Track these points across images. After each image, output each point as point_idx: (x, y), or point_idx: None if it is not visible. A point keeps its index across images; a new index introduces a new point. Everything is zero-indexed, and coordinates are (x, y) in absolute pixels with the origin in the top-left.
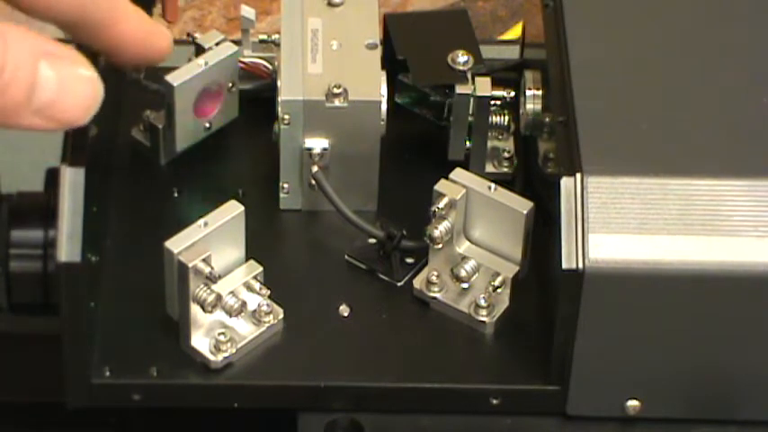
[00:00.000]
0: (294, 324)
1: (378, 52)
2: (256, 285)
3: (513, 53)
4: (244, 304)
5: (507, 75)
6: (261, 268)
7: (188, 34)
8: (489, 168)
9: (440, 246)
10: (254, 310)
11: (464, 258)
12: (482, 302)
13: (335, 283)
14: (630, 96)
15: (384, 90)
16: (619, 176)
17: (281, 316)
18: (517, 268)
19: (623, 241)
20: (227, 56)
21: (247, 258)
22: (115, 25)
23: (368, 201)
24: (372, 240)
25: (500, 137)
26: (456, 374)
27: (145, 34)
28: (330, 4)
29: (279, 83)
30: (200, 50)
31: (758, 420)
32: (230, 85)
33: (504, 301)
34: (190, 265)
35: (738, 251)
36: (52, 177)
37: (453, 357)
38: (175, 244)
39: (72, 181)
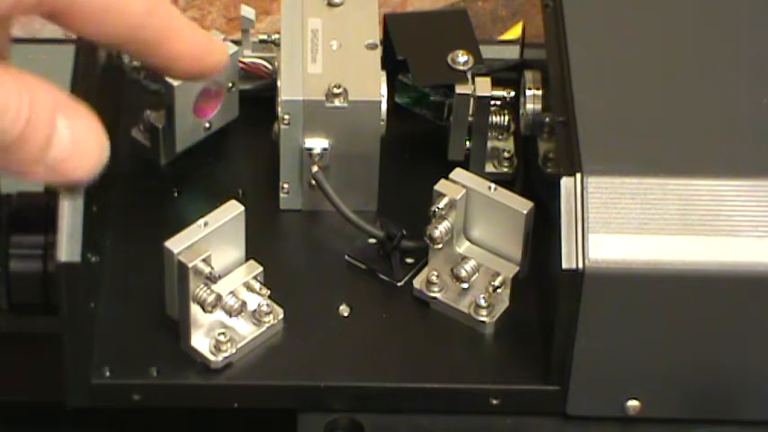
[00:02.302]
0: (294, 324)
1: (378, 52)
2: (256, 285)
3: (513, 53)
4: (244, 304)
5: (507, 75)
6: (261, 268)
7: None
8: (489, 168)
9: (440, 246)
10: (254, 310)
11: (464, 258)
12: (482, 302)
13: (335, 283)
14: (630, 96)
15: (384, 90)
16: (619, 176)
17: (281, 316)
18: (517, 268)
19: (623, 241)
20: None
21: (247, 258)
22: (167, 43)
23: (368, 201)
24: (372, 240)
25: (500, 137)
26: (456, 374)
27: (199, 51)
28: (330, 4)
29: (279, 83)
30: None
31: (758, 420)
32: (230, 85)
33: (504, 301)
34: (190, 265)
35: (738, 251)
36: None
37: (453, 357)
38: (175, 244)
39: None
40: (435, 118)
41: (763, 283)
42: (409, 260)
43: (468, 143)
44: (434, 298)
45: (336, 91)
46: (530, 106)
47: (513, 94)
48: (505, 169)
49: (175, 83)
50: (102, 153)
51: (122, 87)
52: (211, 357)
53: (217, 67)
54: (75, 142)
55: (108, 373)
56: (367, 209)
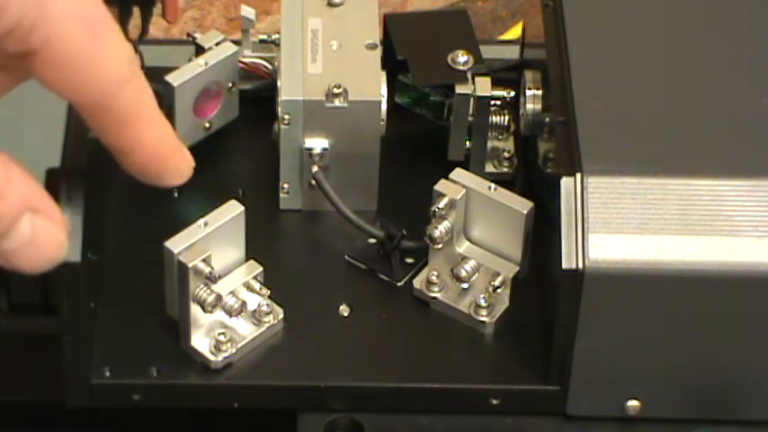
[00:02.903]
0: (294, 324)
1: (378, 52)
2: (256, 285)
3: (513, 53)
4: (244, 304)
5: (507, 75)
6: (261, 268)
7: (188, 34)
8: (489, 168)
9: (440, 246)
10: (254, 310)
11: (464, 258)
12: (482, 302)
13: (335, 283)
14: (630, 96)
15: (384, 90)
16: (619, 176)
17: (281, 316)
18: (517, 268)
19: (623, 241)
20: (227, 56)
21: (247, 258)
22: (133, 123)
23: (368, 201)
24: (372, 240)
25: (500, 137)
26: (456, 374)
27: (163, 148)
28: (330, 4)
29: (279, 83)
30: (200, 50)
31: (758, 420)
32: (230, 85)
33: (504, 301)
34: (190, 265)
35: (738, 251)
36: (52, 178)
37: (453, 357)
38: (175, 244)
39: (72, 181)
40: (435, 118)
41: (763, 283)
42: (409, 260)
43: (468, 143)
44: (434, 298)
45: (336, 91)
46: (530, 106)
47: (513, 94)
48: (505, 169)
49: (176, 83)
50: (57, 254)
51: None
52: (211, 357)
53: (177, 174)
54: (33, 240)
55: (108, 373)
56: (367, 209)
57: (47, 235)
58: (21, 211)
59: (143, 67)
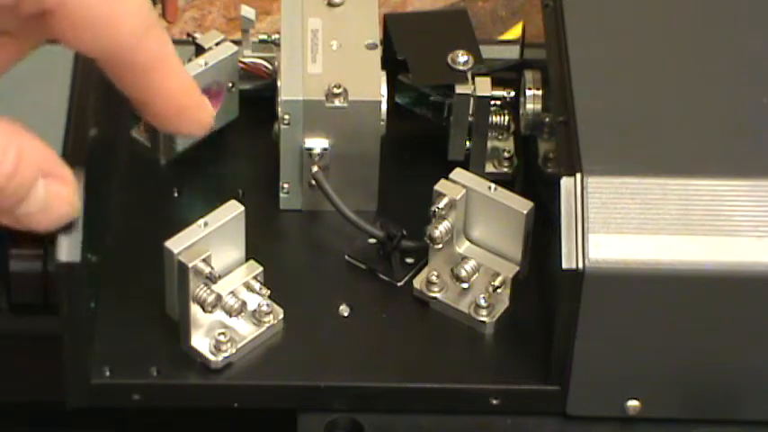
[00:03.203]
0: (294, 324)
1: (378, 52)
2: (256, 285)
3: (513, 53)
4: (244, 304)
5: (507, 75)
6: (261, 268)
7: (188, 34)
8: (489, 168)
9: (440, 246)
10: (254, 310)
11: (464, 258)
12: (482, 302)
13: (335, 283)
14: (630, 96)
15: (384, 90)
16: (619, 176)
17: (281, 316)
18: (517, 268)
19: (623, 241)
20: (227, 56)
21: (247, 258)
22: (153, 73)
23: (368, 201)
24: (372, 240)
25: (500, 137)
26: (456, 374)
27: (184, 98)
28: (330, 4)
29: (279, 83)
30: (200, 50)
31: (758, 420)
32: (230, 85)
33: (504, 301)
34: (190, 265)
35: (738, 251)
36: None
37: (453, 357)
38: (175, 244)
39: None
40: (435, 118)
41: (763, 283)
42: (409, 260)
43: (468, 143)
44: (434, 298)
45: (336, 91)
46: (530, 106)
47: (513, 94)
48: (505, 169)
49: None
50: (70, 214)
51: None
52: (211, 357)
53: (197, 123)
54: (47, 202)
55: (108, 373)
56: (367, 209)
57: (59, 196)
58: (36, 178)
59: None
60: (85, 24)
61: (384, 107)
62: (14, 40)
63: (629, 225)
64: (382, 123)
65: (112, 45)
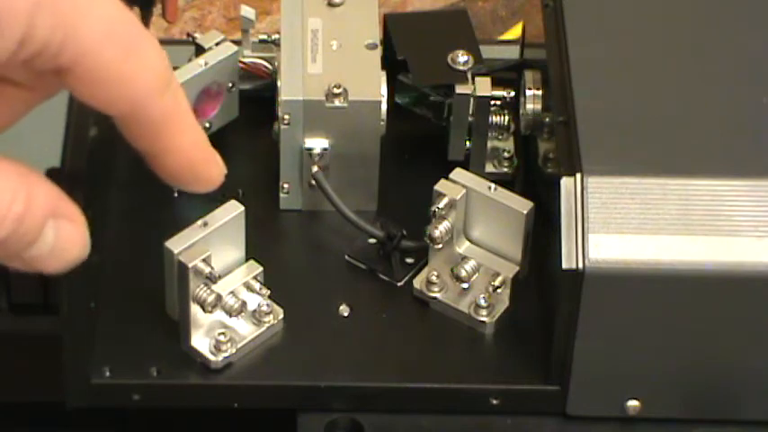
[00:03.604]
0: (294, 324)
1: (378, 52)
2: (256, 285)
3: (513, 53)
4: (244, 304)
5: (507, 75)
6: (261, 268)
7: (188, 34)
8: (489, 168)
9: (440, 246)
10: (254, 310)
11: (464, 258)
12: (482, 302)
13: (335, 283)
14: (630, 96)
15: (384, 90)
16: (619, 176)
17: (281, 316)
18: (517, 268)
19: (623, 241)
20: (227, 56)
21: (247, 258)
22: (166, 131)
23: (368, 201)
24: (372, 240)
25: (500, 137)
26: (456, 374)
27: (198, 155)
28: (330, 4)
29: (279, 83)
30: (200, 50)
31: (758, 420)
32: (230, 85)
33: (504, 301)
34: (190, 265)
35: (738, 251)
36: (52, 178)
37: (453, 357)
38: (175, 244)
39: (72, 181)
40: (435, 118)
41: (763, 283)
42: (409, 260)
43: (468, 143)
44: (434, 298)
45: (336, 91)
46: (530, 106)
47: (513, 94)
48: (505, 169)
49: None
50: (81, 254)
51: None
52: (211, 357)
53: (208, 179)
54: (56, 246)
55: (108, 373)
56: (367, 209)
57: (70, 238)
58: (45, 221)
59: None
60: (102, 83)
61: (384, 107)
62: (27, 92)
63: (629, 225)
64: (382, 123)
65: (128, 103)
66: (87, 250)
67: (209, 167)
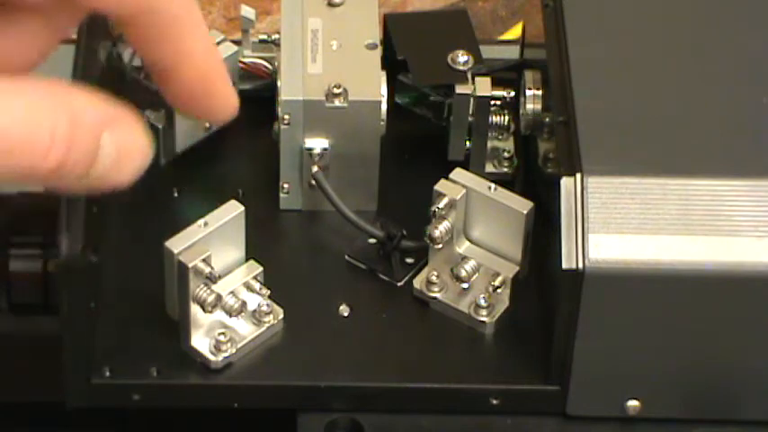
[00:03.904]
0: (294, 324)
1: (378, 52)
2: (256, 285)
3: (513, 53)
4: (244, 304)
5: (507, 75)
6: (261, 268)
7: None
8: (489, 168)
9: (440, 246)
10: (254, 310)
11: (464, 258)
12: (482, 302)
13: (335, 283)
14: (630, 96)
15: (384, 90)
16: (619, 176)
17: (281, 316)
18: (517, 268)
19: (623, 241)
20: (227, 56)
21: (247, 258)
22: (178, 38)
23: (368, 201)
24: (372, 240)
25: (500, 137)
26: (456, 374)
27: (210, 73)
28: (330, 4)
29: (279, 83)
30: None
31: (758, 420)
32: None
33: (504, 301)
34: (190, 265)
35: (738, 251)
36: None
37: (453, 357)
38: (175, 244)
39: None
40: (435, 118)
41: (763, 283)
42: (409, 260)
43: (468, 143)
44: (434, 298)
45: (336, 91)
46: (530, 106)
47: (513, 94)
48: (505, 169)
49: None
50: (145, 158)
51: (122, 87)
52: (211, 357)
53: (224, 102)
54: (119, 158)
55: (108, 373)
56: (367, 209)
57: (129, 146)
58: (98, 138)
59: (139, 66)
60: None
61: (384, 107)
62: (43, 19)
63: (629, 225)
64: (382, 123)
65: (132, 2)
66: (150, 155)
67: (224, 84)
